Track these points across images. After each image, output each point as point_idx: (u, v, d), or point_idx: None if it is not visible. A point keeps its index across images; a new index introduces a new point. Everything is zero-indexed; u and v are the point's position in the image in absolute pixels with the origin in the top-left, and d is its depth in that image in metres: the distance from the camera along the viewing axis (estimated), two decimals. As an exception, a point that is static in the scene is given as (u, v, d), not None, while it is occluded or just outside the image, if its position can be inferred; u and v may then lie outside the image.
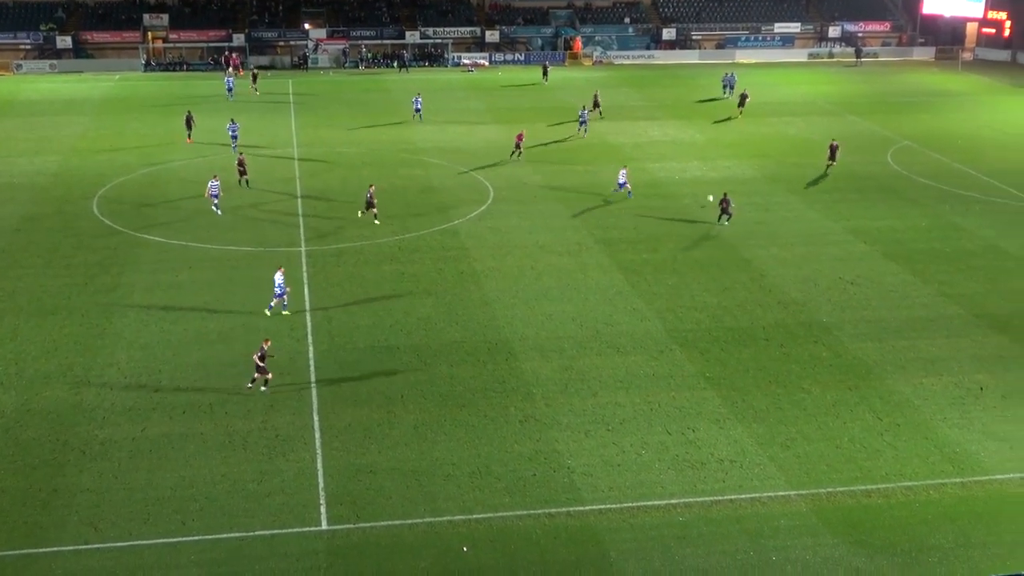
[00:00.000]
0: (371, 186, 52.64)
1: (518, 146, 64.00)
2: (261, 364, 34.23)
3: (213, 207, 52.65)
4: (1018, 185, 59.84)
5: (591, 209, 54.44)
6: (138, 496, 28.68)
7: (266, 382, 34.58)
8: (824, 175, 60.59)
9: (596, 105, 76.77)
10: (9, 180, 59.35)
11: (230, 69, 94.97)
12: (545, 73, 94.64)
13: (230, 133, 65.62)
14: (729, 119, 76.45)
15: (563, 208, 54.83)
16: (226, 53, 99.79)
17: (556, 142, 69.60)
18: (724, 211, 51.52)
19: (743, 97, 78.05)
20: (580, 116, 71.34)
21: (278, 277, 40.15)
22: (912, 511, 28.76)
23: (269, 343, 35.03)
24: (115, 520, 27.81)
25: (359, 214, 51.74)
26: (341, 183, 58.63)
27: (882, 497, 29.37)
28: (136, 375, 35.80)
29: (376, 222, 51.04)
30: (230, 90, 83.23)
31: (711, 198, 53.52)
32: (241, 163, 57.25)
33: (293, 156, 65.57)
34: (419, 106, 75.47)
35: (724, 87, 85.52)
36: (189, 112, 69.88)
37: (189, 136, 68.33)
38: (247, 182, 56.86)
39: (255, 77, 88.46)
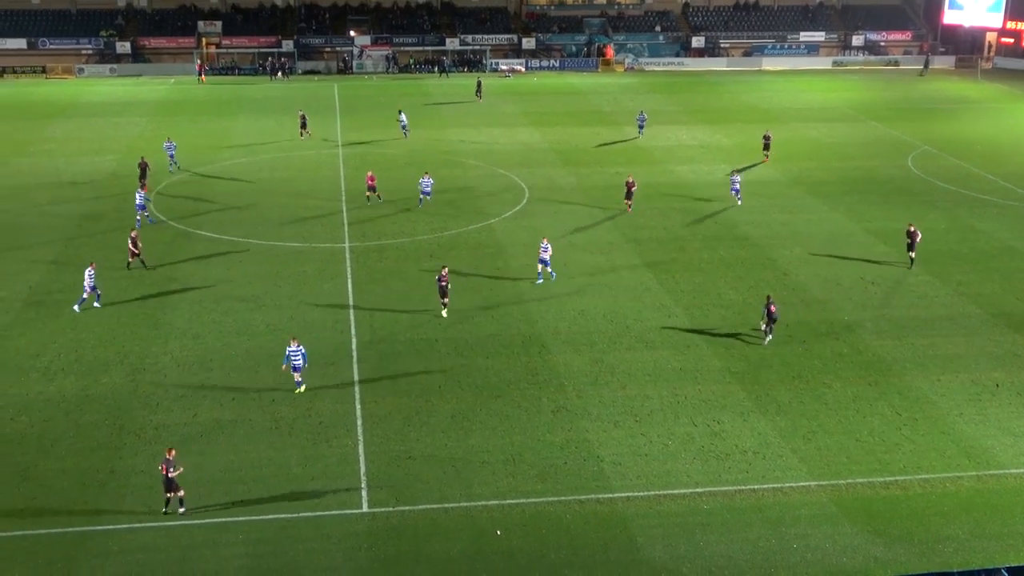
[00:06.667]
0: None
1: (372, 188, 56.62)
2: (170, 478, 28.17)
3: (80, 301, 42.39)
4: (1036, 189, 60.59)
5: (622, 210, 55.49)
6: (189, 478, 29.52)
7: (181, 501, 28.46)
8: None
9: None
10: (72, 179, 61.44)
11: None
12: (479, 90, 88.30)
13: (137, 202, 52.66)
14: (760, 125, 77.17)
15: (595, 209, 55.96)
16: (271, 59, 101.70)
17: (606, 144, 71.10)
18: None
19: (767, 139, 67.31)
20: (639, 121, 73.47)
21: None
22: (929, 502, 29.52)
23: (174, 453, 28.76)
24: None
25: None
26: (383, 182, 59.33)
27: (900, 489, 30.16)
28: (188, 363, 37.20)
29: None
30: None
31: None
32: (134, 241, 45.76)
33: (338, 157, 67.13)
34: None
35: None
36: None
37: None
38: (142, 261, 45.98)
39: (304, 122, 72.91)
